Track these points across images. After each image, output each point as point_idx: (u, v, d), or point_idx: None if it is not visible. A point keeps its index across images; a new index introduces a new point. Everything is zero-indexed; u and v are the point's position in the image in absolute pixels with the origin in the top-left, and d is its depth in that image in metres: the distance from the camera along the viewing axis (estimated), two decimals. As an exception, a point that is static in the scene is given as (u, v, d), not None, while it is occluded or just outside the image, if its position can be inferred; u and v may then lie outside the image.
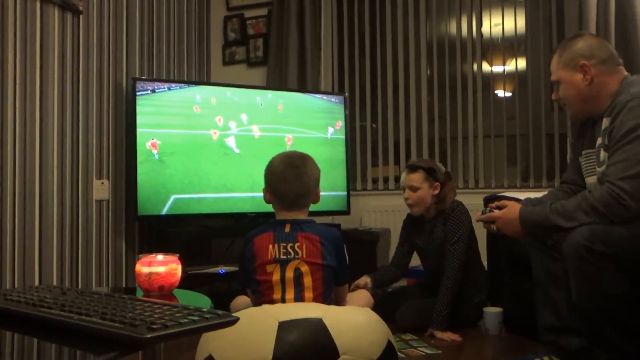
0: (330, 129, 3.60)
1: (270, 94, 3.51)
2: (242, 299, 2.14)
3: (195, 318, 0.88)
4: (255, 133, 3.41)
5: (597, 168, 1.93)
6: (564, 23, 3.40)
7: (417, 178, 2.83)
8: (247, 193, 3.33)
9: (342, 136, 3.65)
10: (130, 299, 1.04)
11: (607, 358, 1.74)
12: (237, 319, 0.92)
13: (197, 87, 3.34)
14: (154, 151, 3.11)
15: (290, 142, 3.47)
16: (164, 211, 3.10)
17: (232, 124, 3.34)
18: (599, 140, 1.93)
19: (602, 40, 2.09)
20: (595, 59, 1.95)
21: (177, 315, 0.89)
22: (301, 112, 3.55)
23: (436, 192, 2.83)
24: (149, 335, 0.80)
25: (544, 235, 1.99)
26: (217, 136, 3.29)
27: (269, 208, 2.05)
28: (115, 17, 3.23)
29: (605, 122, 1.89)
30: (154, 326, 0.82)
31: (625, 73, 1.99)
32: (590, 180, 2.00)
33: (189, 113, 3.25)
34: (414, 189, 2.83)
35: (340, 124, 3.63)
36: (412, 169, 2.86)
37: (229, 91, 3.39)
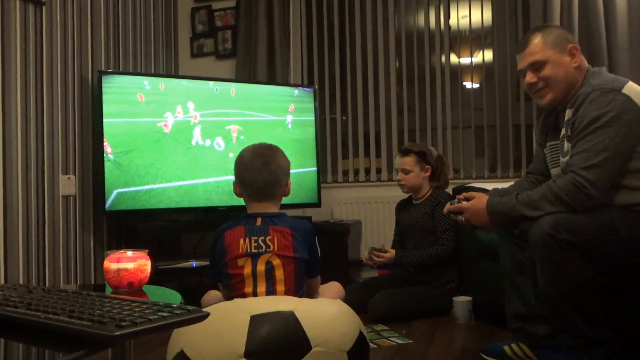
0: (290, 117, 3.58)
1: (238, 86, 3.49)
2: (213, 294, 2.13)
3: (165, 314, 0.87)
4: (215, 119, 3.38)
5: (561, 158, 1.97)
6: (530, 16, 3.45)
7: (409, 161, 2.97)
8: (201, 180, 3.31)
9: (299, 118, 3.63)
10: (98, 296, 1.03)
11: (572, 344, 1.79)
12: (208, 314, 0.92)
13: (163, 78, 3.30)
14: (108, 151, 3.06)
15: (235, 133, 3.43)
16: (107, 206, 3.04)
17: (194, 115, 3.31)
18: (563, 131, 1.97)
19: (568, 31, 2.13)
20: (575, 45, 1.99)
21: (147, 311, 0.89)
22: (257, 96, 3.53)
23: (427, 174, 2.98)
24: (117, 333, 0.79)
25: (511, 225, 2.03)
26: (174, 125, 3.26)
27: (240, 201, 2.04)
28: (80, 8, 3.17)
29: (568, 113, 1.93)
30: (123, 323, 0.81)
31: (588, 65, 2.03)
32: (555, 171, 2.04)
33: (139, 101, 3.21)
34: (406, 172, 2.98)
35: (293, 106, 3.59)
36: (405, 152, 3.02)
37: (197, 84, 3.36)
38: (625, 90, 1.83)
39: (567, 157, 1.90)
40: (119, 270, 1.35)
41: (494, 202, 1.96)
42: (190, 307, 0.91)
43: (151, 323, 0.84)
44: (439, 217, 2.88)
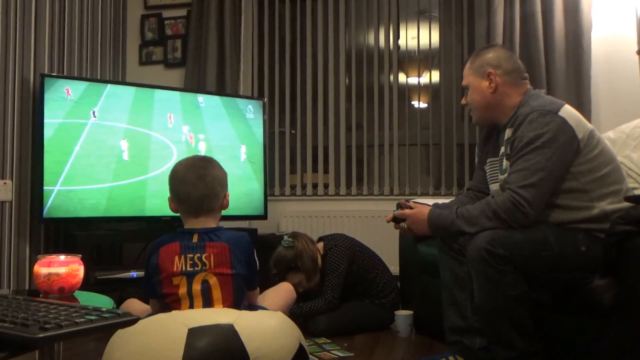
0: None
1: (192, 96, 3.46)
2: (137, 304, 2.08)
3: (93, 317, 0.85)
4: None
5: (499, 176, 2.03)
6: (475, 40, 3.57)
7: (293, 277, 2.85)
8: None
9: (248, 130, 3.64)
10: (25, 299, 0.99)
11: (505, 356, 1.83)
12: (138, 319, 0.90)
13: (112, 85, 3.23)
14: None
15: (192, 140, 3.42)
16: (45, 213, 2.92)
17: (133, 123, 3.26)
18: (502, 150, 2.04)
19: (512, 54, 2.21)
20: (501, 69, 2.07)
21: (74, 315, 0.86)
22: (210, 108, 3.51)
23: (317, 277, 2.89)
24: (41, 335, 0.77)
25: (449, 238, 2.08)
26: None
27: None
28: (23, 9, 3.07)
29: (508, 132, 2.00)
30: (47, 326, 0.79)
31: (529, 87, 2.12)
32: (494, 187, 2.11)
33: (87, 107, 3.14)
34: (300, 286, 2.84)
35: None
36: (285, 273, 2.87)
37: (144, 92, 3.31)
38: (561, 113, 1.91)
39: (506, 175, 1.96)
40: (49, 274, 1.30)
41: (435, 214, 2.01)
42: (119, 311, 0.89)
43: (77, 326, 0.81)
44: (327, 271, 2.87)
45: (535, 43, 3.35)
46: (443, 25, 3.91)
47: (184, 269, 1.82)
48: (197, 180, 1.88)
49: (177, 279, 1.82)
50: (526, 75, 2.14)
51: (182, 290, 1.81)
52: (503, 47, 2.29)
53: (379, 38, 4.00)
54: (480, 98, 2.11)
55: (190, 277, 1.82)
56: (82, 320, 0.83)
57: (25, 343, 0.78)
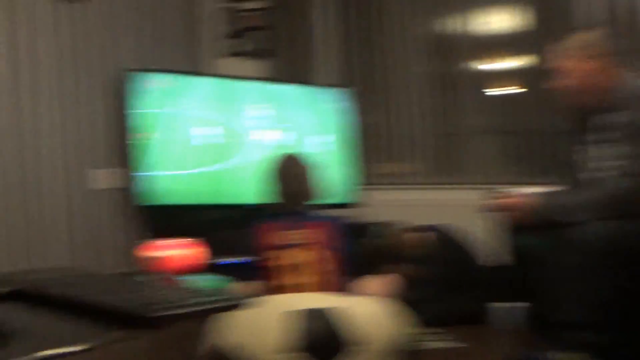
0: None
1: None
2: (243, 287, 2.19)
3: (206, 299, 0.89)
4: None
5: (597, 163, 1.94)
6: (568, 21, 3.34)
7: (397, 268, 2.77)
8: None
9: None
10: (143, 280, 1.05)
11: (612, 348, 1.75)
12: (250, 302, 0.93)
13: (193, 77, 3.35)
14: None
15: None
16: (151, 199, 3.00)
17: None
18: (598, 136, 1.94)
19: (610, 35, 2.11)
20: (599, 52, 1.97)
21: (188, 295, 0.90)
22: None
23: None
24: (159, 314, 0.81)
25: (554, 227, 2.00)
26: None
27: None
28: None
29: (606, 117, 1.91)
30: (167, 305, 0.83)
31: (626, 69, 2.00)
32: (586, 175, 2.01)
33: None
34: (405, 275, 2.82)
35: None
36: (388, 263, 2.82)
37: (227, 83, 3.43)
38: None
39: (612, 161, 1.86)
40: (162, 257, 1.37)
41: (542, 202, 1.98)
42: (231, 294, 0.92)
43: (191, 307, 0.85)
44: None
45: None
46: (537, 6, 3.71)
47: (286, 242, 1.97)
48: (296, 178, 2.08)
49: (280, 253, 1.96)
50: (625, 58, 2.03)
51: (285, 262, 1.94)
52: (601, 29, 2.17)
53: (465, 24, 3.85)
54: (577, 82, 2.01)
55: (292, 250, 1.96)
56: (196, 301, 0.87)
57: (142, 321, 0.82)
